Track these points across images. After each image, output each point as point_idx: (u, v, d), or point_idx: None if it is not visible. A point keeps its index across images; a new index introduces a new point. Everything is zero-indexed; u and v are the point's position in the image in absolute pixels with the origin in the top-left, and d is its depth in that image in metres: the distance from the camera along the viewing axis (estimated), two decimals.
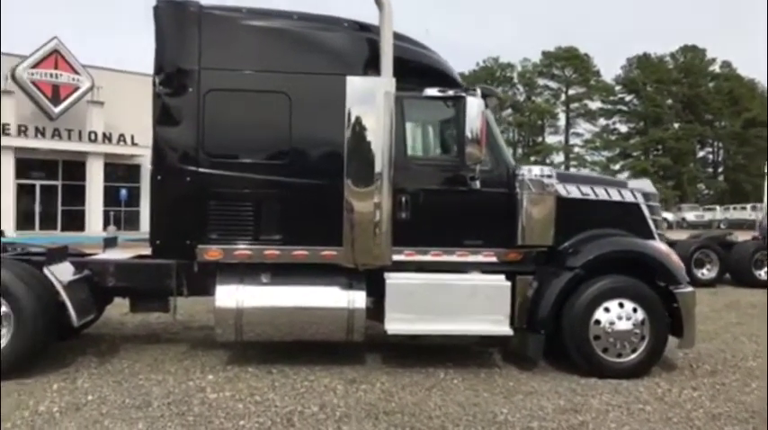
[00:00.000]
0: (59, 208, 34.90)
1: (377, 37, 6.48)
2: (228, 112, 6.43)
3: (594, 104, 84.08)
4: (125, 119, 34.32)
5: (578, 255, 6.76)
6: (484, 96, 6.52)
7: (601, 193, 7.17)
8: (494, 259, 6.80)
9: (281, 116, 6.41)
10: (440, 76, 6.89)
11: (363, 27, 6.68)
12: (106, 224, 34.79)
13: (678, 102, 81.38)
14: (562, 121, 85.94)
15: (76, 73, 33.69)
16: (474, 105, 6.31)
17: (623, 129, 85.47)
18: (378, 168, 6.33)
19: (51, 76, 32.87)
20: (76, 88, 33.67)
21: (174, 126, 6.42)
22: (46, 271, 6.17)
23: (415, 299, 6.52)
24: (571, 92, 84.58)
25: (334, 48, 6.61)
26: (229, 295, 6.40)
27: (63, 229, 33.70)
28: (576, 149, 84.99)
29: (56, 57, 33.26)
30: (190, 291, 6.93)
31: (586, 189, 7.12)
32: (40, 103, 32.72)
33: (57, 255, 6.49)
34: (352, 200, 6.36)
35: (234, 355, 7.11)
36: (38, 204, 34.19)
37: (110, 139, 34.81)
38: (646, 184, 7.69)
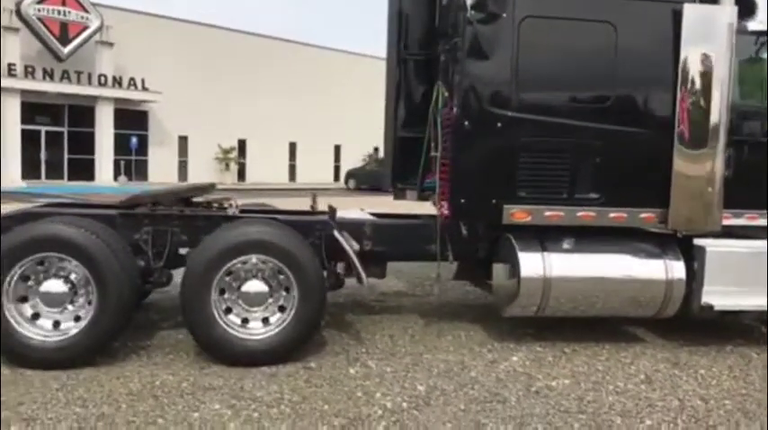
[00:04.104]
0: (65, 156, 32.92)
1: None
2: (545, 45, 5.31)
3: None
4: (136, 61, 32.46)
5: None
6: None
7: None
8: None
9: (604, 50, 5.33)
10: (753, 6, 5.89)
11: None
12: (117, 173, 33.18)
13: None
14: None
15: (85, 11, 31.22)
16: None
17: None
18: (715, 116, 5.35)
19: (59, 12, 30.37)
20: (85, 27, 31.22)
21: (485, 60, 5.27)
22: (338, 235, 5.09)
23: (738, 269, 5.64)
24: None
25: None
26: (537, 264, 5.41)
27: (70, 178, 31.84)
28: None
29: None
30: (455, 257, 5.96)
31: None
32: (48, 42, 30.25)
33: (333, 215, 5.40)
34: (685, 153, 5.38)
35: (480, 329, 6.23)
36: (43, 152, 32.10)
37: (120, 83, 32.68)
38: None
